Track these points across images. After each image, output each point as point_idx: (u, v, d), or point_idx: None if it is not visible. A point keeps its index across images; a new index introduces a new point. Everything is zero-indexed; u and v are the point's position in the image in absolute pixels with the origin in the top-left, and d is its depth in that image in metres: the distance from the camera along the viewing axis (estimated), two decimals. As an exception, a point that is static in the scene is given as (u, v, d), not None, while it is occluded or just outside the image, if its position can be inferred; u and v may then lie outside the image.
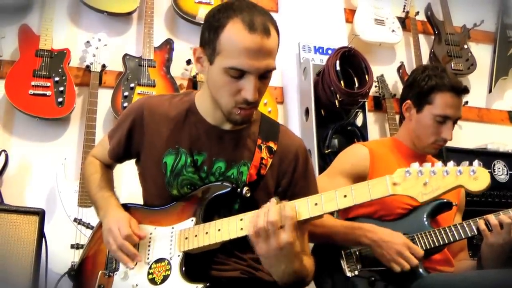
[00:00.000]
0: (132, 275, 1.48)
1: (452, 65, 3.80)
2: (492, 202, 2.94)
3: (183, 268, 1.41)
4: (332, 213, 2.04)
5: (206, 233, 1.41)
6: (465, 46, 3.95)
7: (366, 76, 3.09)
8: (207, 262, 1.49)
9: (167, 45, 3.24)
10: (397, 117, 3.41)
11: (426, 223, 1.93)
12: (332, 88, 3.02)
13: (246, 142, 1.56)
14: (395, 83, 3.76)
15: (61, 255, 2.48)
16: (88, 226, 2.60)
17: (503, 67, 4.12)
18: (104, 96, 3.00)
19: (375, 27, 3.68)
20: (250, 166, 1.52)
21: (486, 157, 3.11)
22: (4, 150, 2.77)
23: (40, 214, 2.03)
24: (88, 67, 2.98)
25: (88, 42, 3.03)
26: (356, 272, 1.89)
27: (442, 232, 1.88)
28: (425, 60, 3.86)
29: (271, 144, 1.57)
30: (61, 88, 2.86)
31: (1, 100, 2.90)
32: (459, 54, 3.88)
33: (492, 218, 1.83)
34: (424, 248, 1.86)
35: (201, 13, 3.29)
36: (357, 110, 3.20)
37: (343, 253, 1.94)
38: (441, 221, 2.00)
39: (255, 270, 1.54)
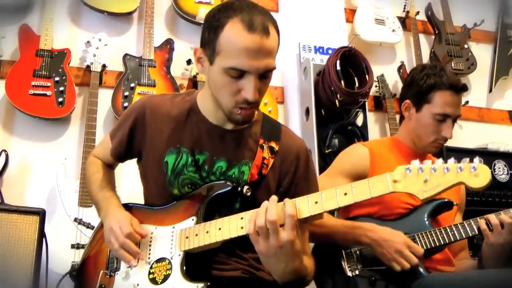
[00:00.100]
0: (133, 275, 1.48)
1: (453, 65, 3.80)
2: (492, 202, 2.95)
3: (184, 268, 1.41)
4: (332, 213, 2.05)
5: (207, 232, 1.41)
6: (466, 46, 3.95)
7: (367, 76, 3.09)
8: (208, 261, 1.49)
9: (168, 45, 3.24)
10: (398, 117, 3.40)
11: (426, 222, 1.93)
12: (332, 88, 3.02)
13: (247, 142, 1.56)
14: (395, 83, 3.76)
15: (62, 255, 2.48)
16: (88, 226, 2.60)
17: (503, 67, 4.12)
18: (105, 96, 3.00)
19: (376, 27, 3.68)
20: (251, 166, 1.52)
21: (487, 156, 3.11)
22: (5, 150, 2.77)
23: (41, 214, 2.03)
24: (88, 67, 2.98)
25: (88, 42, 3.03)
26: (357, 272, 1.89)
27: (443, 231, 1.88)
28: (425, 59, 3.86)
29: (273, 144, 1.57)
30: (62, 88, 2.86)
31: (1, 100, 2.90)
32: (460, 54, 3.88)
33: (493, 217, 1.83)
34: (424, 247, 1.86)
35: (201, 13, 3.29)
36: (358, 110, 3.19)
37: (344, 252, 1.94)
38: (441, 220, 2.00)
39: (256, 270, 1.53)
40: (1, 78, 2.86)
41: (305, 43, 3.35)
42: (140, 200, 1.68)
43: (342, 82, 3.02)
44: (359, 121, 3.26)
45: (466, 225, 1.88)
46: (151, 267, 1.46)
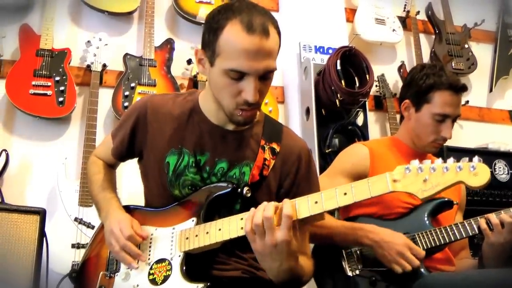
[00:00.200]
0: (133, 276, 1.48)
1: (453, 65, 3.80)
2: (493, 202, 2.94)
3: (184, 268, 1.41)
4: (332, 213, 2.05)
5: (207, 232, 1.41)
6: (466, 46, 3.95)
7: (367, 76, 3.09)
8: (208, 262, 1.49)
9: (168, 45, 3.24)
10: (398, 116, 3.41)
11: (427, 222, 1.93)
12: (332, 88, 3.02)
13: (249, 142, 1.56)
14: (395, 83, 3.76)
15: (62, 254, 2.48)
16: (89, 225, 2.61)
17: (504, 67, 4.12)
18: (105, 96, 3.00)
19: (376, 26, 3.68)
20: (252, 167, 1.52)
21: (487, 156, 3.11)
22: (5, 150, 2.77)
23: (41, 213, 2.03)
24: (88, 66, 2.98)
25: (88, 41, 3.03)
26: (357, 272, 1.89)
27: (443, 231, 1.88)
28: (426, 59, 3.86)
29: (274, 145, 1.57)
30: (62, 88, 2.86)
31: (1, 99, 2.90)
32: (460, 54, 3.88)
33: (493, 217, 1.82)
34: (425, 247, 1.86)
35: (202, 12, 3.29)
36: (358, 109, 3.19)
37: (344, 252, 1.93)
38: (442, 220, 1.99)
39: (256, 270, 1.53)
40: (2, 77, 2.86)
41: (305, 43, 3.36)
42: (141, 199, 1.68)
43: (343, 81, 3.02)
44: (360, 120, 3.25)
45: (466, 225, 1.88)
46: (151, 268, 1.46)
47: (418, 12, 3.96)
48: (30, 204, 2.67)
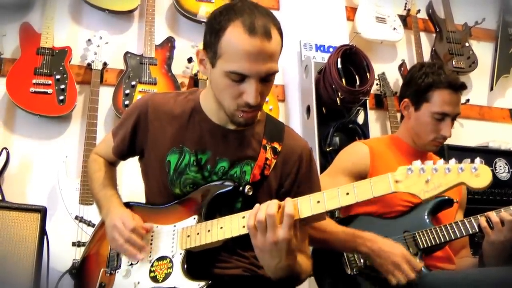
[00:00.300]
0: (134, 273, 1.48)
1: (454, 63, 3.80)
2: (493, 200, 2.95)
3: (185, 266, 1.41)
4: (333, 211, 2.05)
5: (208, 231, 1.41)
6: (467, 44, 3.95)
7: (368, 74, 3.10)
8: (209, 260, 1.49)
9: (168, 43, 3.24)
10: (399, 115, 3.41)
11: (427, 220, 1.93)
12: (333, 86, 3.02)
13: (250, 141, 1.56)
14: (396, 81, 3.76)
15: (63, 253, 2.48)
16: (89, 224, 2.61)
17: (504, 65, 4.12)
18: (105, 94, 3.00)
19: (377, 25, 3.68)
20: (254, 166, 1.52)
21: (488, 155, 3.11)
22: (6, 148, 2.77)
23: (42, 211, 2.03)
24: (89, 65, 2.98)
25: (89, 40, 3.03)
26: (358, 270, 1.89)
27: (443, 229, 1.88)
28: (426, 58, 3.86)
29: (276, 145, 1.57)
30: (62, 86, 2.86)
31: (2, 98, 2.91)
32: (461, 52, 3.88)
33: (493, 215, 1.82)
34: (425, 245, 1.86)
35: (202, 11, 3.29)
36: (359, 108, 3.19)
37: (345, 251, 1.93)
38: (442, 218, 1.99)
39: (257, 268, 1.53)
40: (2, 76, 2.86)
41: (306, 41, 3.36)
42: (141, 197, 1.68)
43: (343, 80, 3.02)
44: (360, 119, 3.25)
45: (466, 223, 1.88)
46: (152, 265, 1.46)
47: (418, 11, 3.96)
48: (30, 202, 2.66)
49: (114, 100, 2.97)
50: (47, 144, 2.96)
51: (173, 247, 1.45)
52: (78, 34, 3.20)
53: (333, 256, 1.94)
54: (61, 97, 2.85)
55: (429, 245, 1.87)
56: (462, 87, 2.05)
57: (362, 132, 3.17)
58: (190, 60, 3.22)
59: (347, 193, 1.27)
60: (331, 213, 2.12)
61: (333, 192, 1.29)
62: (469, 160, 1.19)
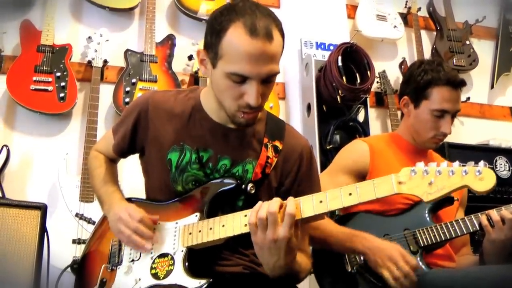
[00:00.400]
0: (135, 269, 1.48)
1: (454, 61, 3.81)
2: (494, 198, 2.94)
3: (186, 263, 1.41)
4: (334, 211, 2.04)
5: (210, 228, 1.41)
6: (467, 42, 3.95)
7: (368, 72, 3.10)
8: (211, 257, 1.49)
9: (169, 41, 3.24)
10: (399, 113, 3.39)
11: (427, 218, 1.93)
12: (334, 84, 3.02)
13: (251, 140, 1.56)
14: (397, 79, 3.76)
15: (63, 250, 2.49)
16: (89, 221, 2.61)
17: (505, 63, 4.12)
18: (106, 92, 3.01)
19: (377, 23, 3.68)
20: (255, 165, 1.52)
21: (488, 153, 3.10)
22: (6, 145, 2.78)
23: (42, 208, 2.03)
24: (89, 62, 2.98)
25: (89, 37, 3.03)
26: (358, 267, 1.89)
27: (444, 227, 1.88)
28: (427, 56, 3.86)
29: (277, 143, 1.57)
30: (63, 84, 2.87)
31: (3, 95, 2.91)
32: (461, 50, 3.88)
33: (494, 213, 1.82)
34: (425, 243, 1.86)
35: (203, 8, 3.29)
36: (359, 106, 3.20)
37: (345, 248, 1.93)
38: (442, 216, 1.99)
39: (257, 265, 1.53)
40: (3, 73, 2.87)
41: (306, 39, 3.35)
42: (142, 194, 1.68)
43: (344, 78, 3.02)
44: (361, 117, 3.26)
45: (467, 221, 1.87)
46: (153, 262, 1.45)
47: (419, 9, 3.96)
48: (31, 200, 2.67)
49: (115, 97, 2.97)
50: (47, 141, 2.96)
51: (175, 244, 1.45)
52: (78, 32, 3.20)
53: (333, 253, 1.94)
54: (62, 95, 2.85)
55: (430, 243, 1.86)
56: (461, 83, 2.04)
57: (363, 130, 3.17)
58: (190, 57, 3.22)
59: (350, 194, 1.27)
60: (331, 211, 2.12)
61: (336, 193, 1.29)
62: (472, 163, 1.19)
